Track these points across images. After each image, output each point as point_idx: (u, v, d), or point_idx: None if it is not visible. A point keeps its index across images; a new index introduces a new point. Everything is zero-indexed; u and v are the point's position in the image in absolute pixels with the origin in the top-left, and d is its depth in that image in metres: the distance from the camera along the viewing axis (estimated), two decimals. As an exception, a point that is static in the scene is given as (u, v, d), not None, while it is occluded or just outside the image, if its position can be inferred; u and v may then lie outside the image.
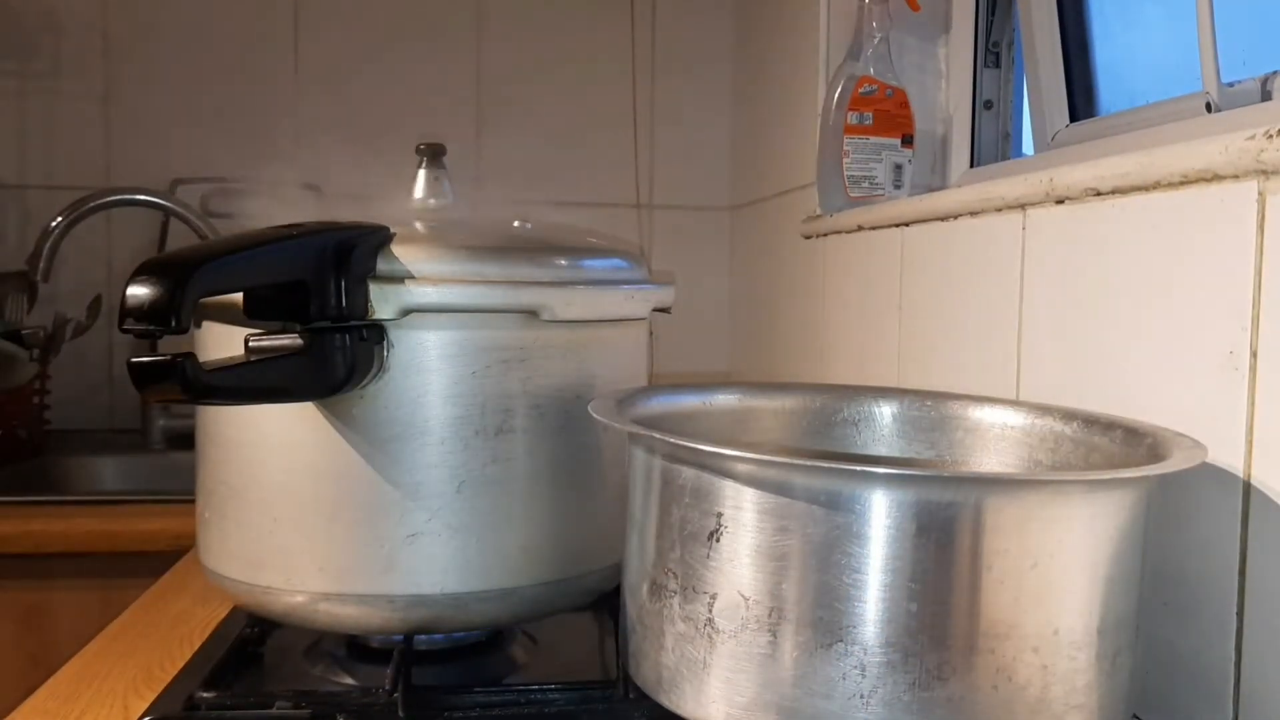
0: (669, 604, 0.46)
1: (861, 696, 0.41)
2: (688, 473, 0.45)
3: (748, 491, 0.43)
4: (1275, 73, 0.70)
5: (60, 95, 1.61)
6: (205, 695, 0.59)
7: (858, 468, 0.44)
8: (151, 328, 0.48)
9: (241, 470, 0.62)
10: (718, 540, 0.44)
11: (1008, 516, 0.41)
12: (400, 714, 0.58)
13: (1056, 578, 0.42)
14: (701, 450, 0.45)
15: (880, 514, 0.40)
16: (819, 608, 0.41)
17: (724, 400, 0.64)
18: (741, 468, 0.43)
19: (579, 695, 0.60)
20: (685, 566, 0.45)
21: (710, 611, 0.44)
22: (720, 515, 0.44)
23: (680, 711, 0.46)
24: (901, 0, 1.09)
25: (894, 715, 0.40)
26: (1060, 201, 0.67)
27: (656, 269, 0.73)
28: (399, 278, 0.58)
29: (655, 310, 0.69)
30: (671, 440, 0.46)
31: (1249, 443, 0.51)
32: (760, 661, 0.42)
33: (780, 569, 0.42)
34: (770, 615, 0.42)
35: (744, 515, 0.43)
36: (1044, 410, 0.58)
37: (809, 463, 0.43)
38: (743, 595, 0.43)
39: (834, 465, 0.43)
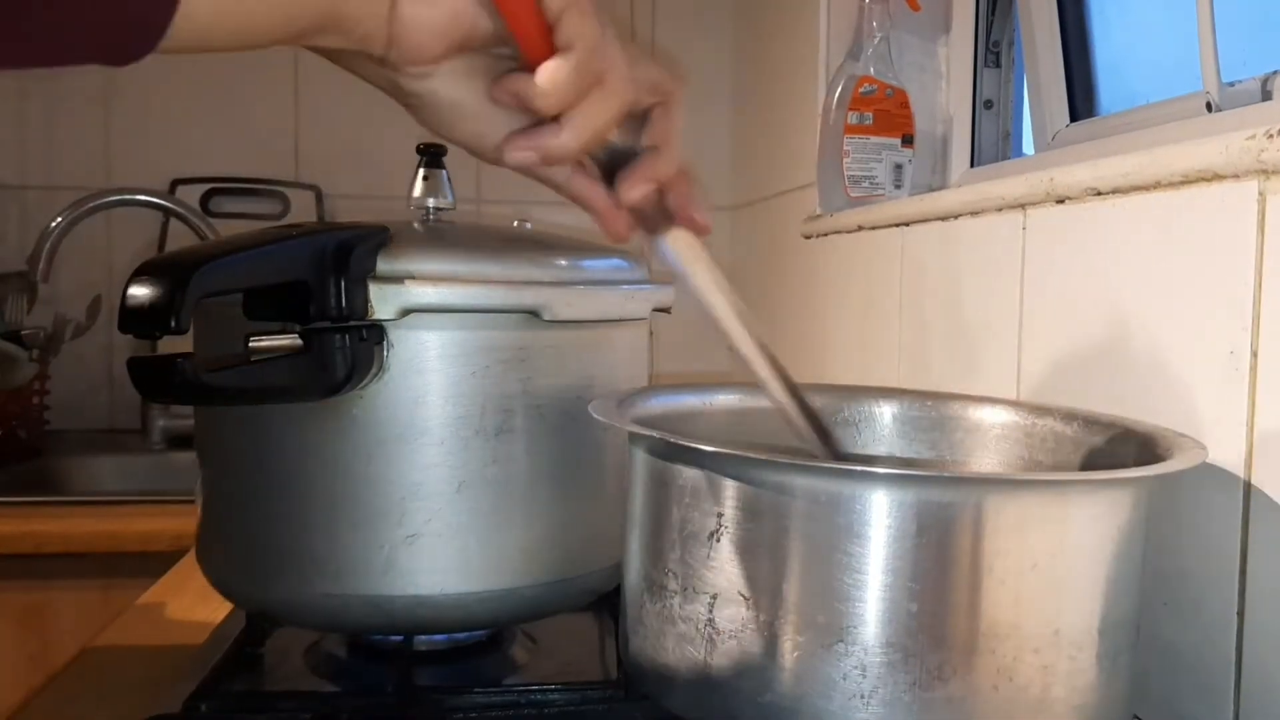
0: (669, 604, 0.46)
1: (862, 697, 0.41)
2: (688, 473, 0.45)
3: (748, 491, 0.43)
4: (1275, 72, 0.70)
5: (60, 95, 1.61)
6: (205, 695, 0.59)
7: (858, 468, 0.44)
8: (152, 328, 0.48)
9: (240, 470, 0.62)
10: (718, 540, 0.44)
11: (1008, 517, 0.41)
12: (400, 715, 0.58)
13: (1057, 578, 0.42)
14: (702, 450, 0.45)
15: (880, 514, 0.40)
16: (819, 608, 0.41)
17: (724, 400, 0.64)
18: (742, 468, 0.43)
19: (579, 695, 0.60)
20: (685, 567, 0.45)
21: (710, 612, 0.44)
22: (720, 515, 0.43)
23: (680, 712, 0.46)
24: (901, 0, 1.09)
25: (894, 715, 0.40)
26: (1060, 201, 0.67)
27: (656, 269, 0.73)
28: (399, 278, 0.58)
29: (656, 310, 0.69)
30: (672, 440, 0.46)
31: (1249, 443, 0.51)
32: (760, 662, 0.42)
33: (780, 569, 0.42)
34: (771, 615, 0.42)
35: (744, 515, 0.43)
36: (1044, 410, 0.58)
37: (809, 463, 0.43)
38: (743, 595, 0.43)
39: (834, 465, 0.43)
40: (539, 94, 0.44)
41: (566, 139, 0.45)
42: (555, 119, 0.45)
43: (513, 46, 0.45)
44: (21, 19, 0.34)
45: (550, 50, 0.44)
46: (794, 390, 0.51)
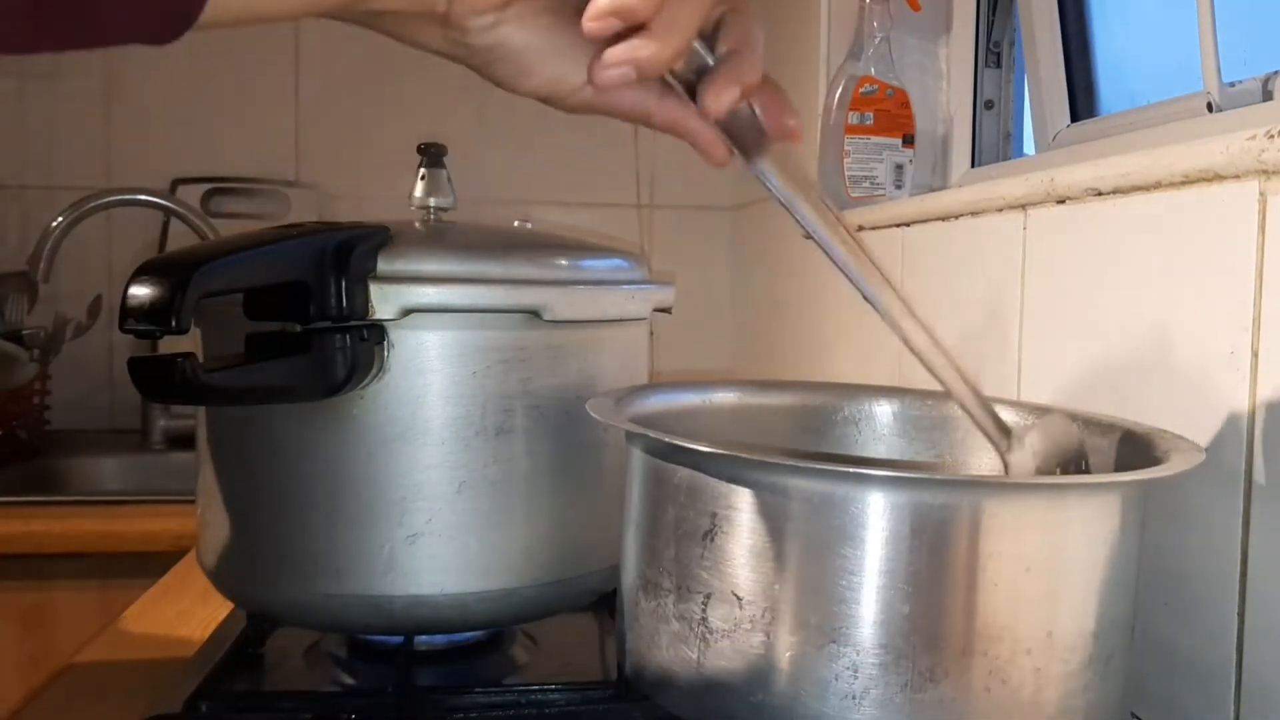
0: (664, 603, 0.46)
1: (854, 697, 0.40)
2: (683, 472, 0.45)
3: (742, 492, 0.43)
4: (1276, 72, 0.70)
5: (60, 95, 1.61)
6: (205, 695, 0.59)
7: (852, 469, 0.44)
8: (152, 328, 0.48)
9: (241, 470, 0.62)
10: (712, 540, 0.44)
11: (1002, 519, 0.41)
12: (400, 715, 0.58)
13: (1051, 581, 0.42)
14: (696, 450, 0.45)
15: (875, 516, 0.40)
16: (812, 609, 0.41)
17: (723, 399, 0.64)
18: (736, 468, 0.43)
19: (579, 695, 0.60)
20: (680, 566, 0.45)
21: (704, 611, 0.44)
22: (715, 515, 0.43)
23: (675, 711, 0.46)
24: (902, 0, 1.09)
25: (886, 716, 0.40)
26: (1061, 201, 0.67)
27: (657, 269, 0.73)
28: (399, 278, 0.58)
29: (656, 310, 0.69)
30: (666, 439, 0.45)
31: (1250, 443, 0.51)
32: (753, 662, 0.42)
33: (774, 570, 0.42)
34: (764, 615, 0.42)
35: (738, 515, 0.43)
36: (1044, 412, 0.58)
37: (803, 464, 0.43)
38: (736, 595, 0.43)
39: (828, 467, 0.43)
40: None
41: (658, 45, 0.42)
42: (640, 31, 0.42)
43: None
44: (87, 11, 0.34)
45: None
46: (914, 316, 0.48)
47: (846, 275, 0.48)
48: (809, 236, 0.48)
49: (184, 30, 0.37)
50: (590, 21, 0.41)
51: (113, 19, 0.36)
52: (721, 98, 0.44)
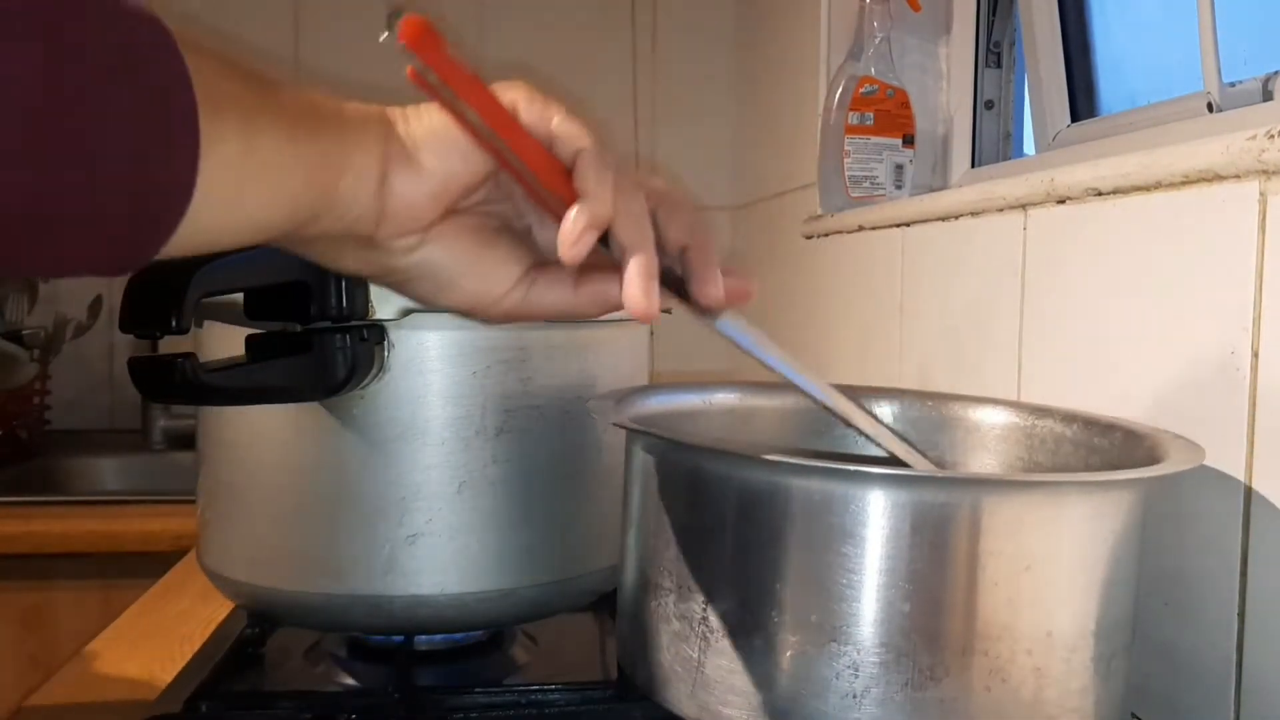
0: (664, 603, 0.46)
1: (854, 696, 0.40)
2: (684, 471, 0.45)
3: (743, 491, 0.43)
4: (1277, 72, 0.70)
5: (61, 95, 1.61)
6: (205, 695, 0.59)
7: (852, 468, 0.44)
8: (152, 328, 0.48)
9: (241, 470, 0.62)
10: (712, 539, 0.44)
11: (1002, 518, 0.41)
12: (400, 715, 0.58)
13: (1051, 580, 0.42)
14: (697, 449, 0.45)
15: (875, 514, 0.40)
16: (813, 608, 0.41)
17: (724, 399, 0.64)
18: (737, 467, 0.43)
19: (579, 695, 0.60)
20: (680, 565, 0.45)
21: (704, 611, 0.44)
22: (715, 514, 0.44)
23: (675, 710, 0.46)
24: (902, 0, 1.09)
25: (887, 715, 0.40)
26: (1061, 201, 0.67)
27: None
28: (399, 278, 0.58)
29: (655, 310, 0.69)
30: (667, 438, 0.46)
31: (1250, 443, 0.51)
32: (754, 661, 0.42)
33: (774, 569, 0.42)
34: (764, 615, 0.42)
35: (739, 514, 0.43)
36: (1044, 412, 0.58)
37: (804, 462, 0.43)
38: (737, 594, 0.43)
39: (829, 465, 0.43)
40: (595, 211, 0.41)
41: (596, 207, 0.42)
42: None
43: (533, 181, 0.43)
44: (37, 243, 0.34)
45: (567, 178, 0.42)
46: (886, 428, 0.52)
47: (831, 410, 0.51)
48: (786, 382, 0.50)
49: (133, 269, 0.37)
50: (568, 249, 0.41)
51: (61, 257, 0.35)
52: (715, 294, 0.45)
